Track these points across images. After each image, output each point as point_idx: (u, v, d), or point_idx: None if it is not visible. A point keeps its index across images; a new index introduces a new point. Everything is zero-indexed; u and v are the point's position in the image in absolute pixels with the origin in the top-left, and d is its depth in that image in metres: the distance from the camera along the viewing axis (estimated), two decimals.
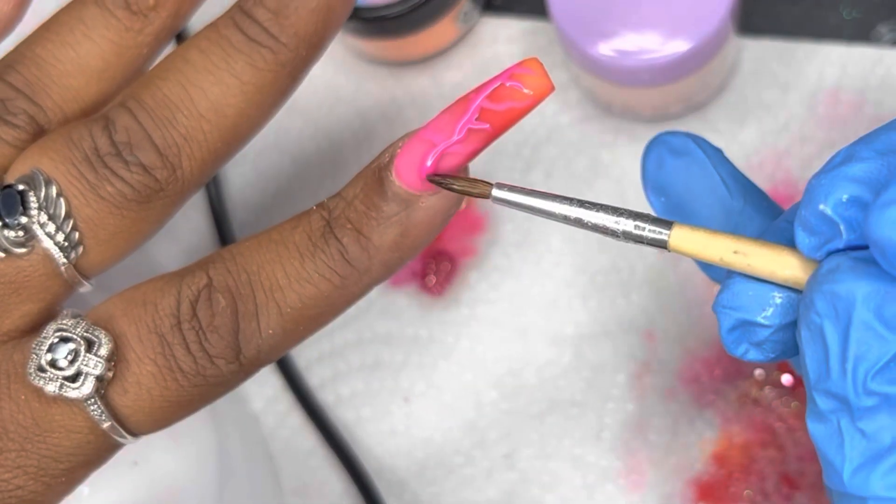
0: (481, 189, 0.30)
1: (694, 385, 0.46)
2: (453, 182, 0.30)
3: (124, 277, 0.36)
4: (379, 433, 0.48)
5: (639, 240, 0.29)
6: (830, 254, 0.27)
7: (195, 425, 0.34)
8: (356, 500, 0.48)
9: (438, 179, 0.30)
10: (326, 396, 0.49)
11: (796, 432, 0.45)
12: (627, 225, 0.29)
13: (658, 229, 0.29)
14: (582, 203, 0.29)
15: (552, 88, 0.30)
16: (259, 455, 0.48)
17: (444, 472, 0.47)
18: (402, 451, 0.48)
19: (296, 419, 0.49)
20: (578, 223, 0.29)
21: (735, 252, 0.28)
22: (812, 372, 0.26)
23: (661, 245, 0.29)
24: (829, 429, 0.26)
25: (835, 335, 0.26)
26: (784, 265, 0.28)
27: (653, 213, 0.30)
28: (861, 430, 0.26)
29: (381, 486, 0.47)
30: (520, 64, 0.30)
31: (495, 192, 0.30)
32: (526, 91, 0.30)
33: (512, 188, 0.30)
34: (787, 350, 0.29)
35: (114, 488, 0.40)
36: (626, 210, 0.29)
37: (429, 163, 0.30)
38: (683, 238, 0.28)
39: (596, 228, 0.29)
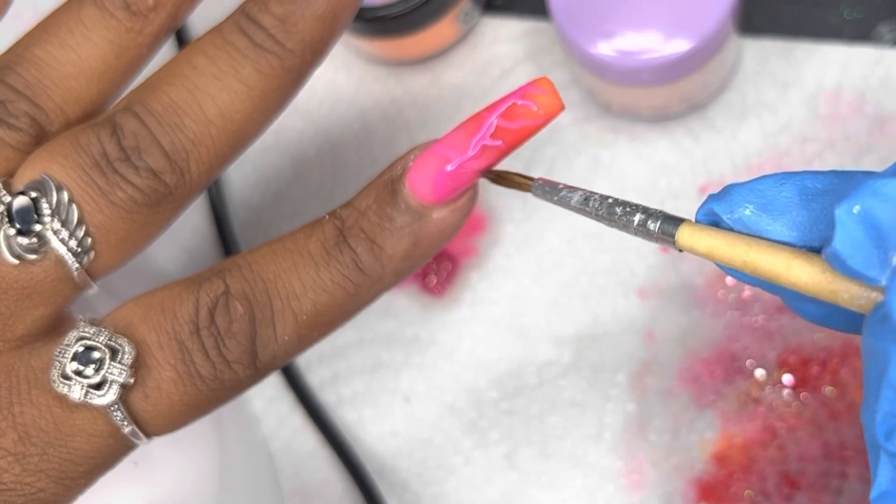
0: (524, 185, 0.32)
1: (694, 385, 0.46)
2: (498, 177, 0.32)
3: (125, 277, 0.36)
4: (380, 433, 0.48)
5: (652, 236, 0.29)
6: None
7: (196, 425, 0.34)
8: (357, 501, 0.48)
9: (490, 176, 0.32)
10: (327, 397, 0.49)
11: (797, 432, 0.45)
12: (642, 221, 0.29)
13: (668, 228, 0.29)
14: (605, 199, 0.30)
15: (562, 107, 0.31)
16: (260, 455, 0.48)
17: (445, 472, 0.47)
18: (403, 451, 0.48)
19: (297, 420, 0.49)
20: (603, 220, 0.30)
21: (749, 249, 0.28)
22: (864, 387, 0.26)
23: (671, 241, 0.29)
24: (868, 439, 0.26)
25: (873, 378, 0.25)
26: (794, 269, 0.27)
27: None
28: (891, 461, 0.25)
29: (382, 487, 0.47)
30: (531, 83, 0.31)
31: (534, 189, 0.32)
32: (537, 110, 0.31)
33: (546, 182, 0.32)
34: None
35: (114, 488, 0.40)
36: (639, 206, 0.30)
37: (449, 168, 0.31)
38: (691, 235, 0.29)
39: (616, 224, 0.30)
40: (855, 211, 0.25)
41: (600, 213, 0.30)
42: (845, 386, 0.45)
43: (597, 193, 0.30)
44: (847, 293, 0.26)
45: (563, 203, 0.31)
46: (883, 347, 0.24)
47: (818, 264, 0.26)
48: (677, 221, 0.29)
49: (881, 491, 0.25)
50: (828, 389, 0.45)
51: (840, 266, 0.25)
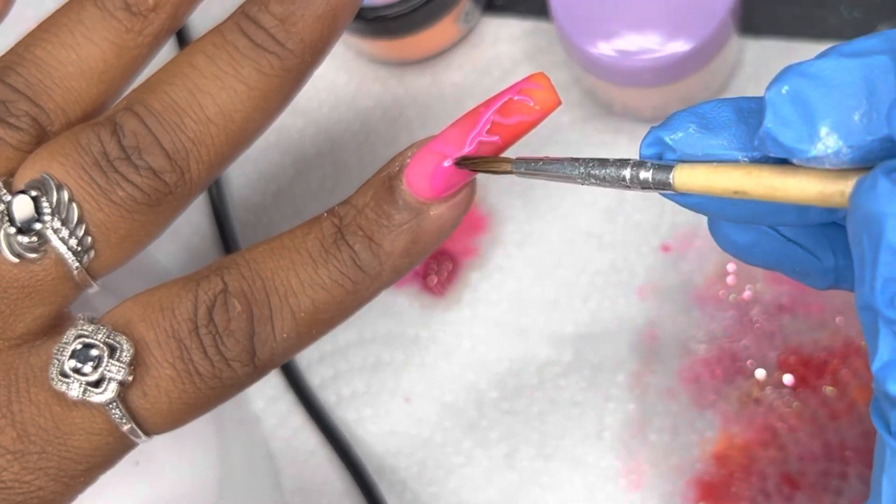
0: (504, 167, 0.31)
1: (694, 385, 0.46)
2: (477, 164, 0.31)
3: (125, 276, 0.36)
4: (380, 433, 0.48)
5: (647, 185, 0.29)
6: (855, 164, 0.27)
7: (197, 425, 0.34)
8: (357, 501, 0.48)
9: (466, 163, 0.31)
10: (327, 396, 0.49)
11: (797, 432, 0.45)
12: (634, 174, 0.29)
13: (661, 175, 0.29)
14: (589, 162, 0.30)
15: (559, 103, 0.31)
16: (260, 455, 0.48)
17: (445, 472, 0.48)
18: (403, 451, 0.48)
19: (297, 419, 0.49)
20: (592, 180, 0.30)
21: (747, 174, 0.28)
22: (856, 268, 0.27)
23: (668, 186, 0.29)
24: (866, 319, 0.27)
25: (867, 251, 0.26)
26: (801, 183, 0.27)
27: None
28: (893, 331, 0.26)
29: (382, 486, 0.48)
30: (528, 79, 0.31)
31: (516, 168, 0.31)
32: (534, 105, 0.31)
33: (528, 161, 0.31)
34: None
35: (116, 488, 0.40)
36: (630, 160, 0.30)
37: (446, 164, 0.31)
38: (688, 174, 0.29)
39: (608, 182, 0.30)
40: (784, 91, 0.27)
41: (589, 176, 0.30)
42: (846, 386, 0.45)
43: (580, 158, 0.30)
44: (842, 193, 0.27)
45: (549, 176, 0.31)
46: (875, 214, 0.25)
47: (812, 173, 0.27)
48: (669, 166, 0.29)
49: (884, 362, 0.26)
50: (828, 389, 0.45)
51: (772, 145, 0.27)
